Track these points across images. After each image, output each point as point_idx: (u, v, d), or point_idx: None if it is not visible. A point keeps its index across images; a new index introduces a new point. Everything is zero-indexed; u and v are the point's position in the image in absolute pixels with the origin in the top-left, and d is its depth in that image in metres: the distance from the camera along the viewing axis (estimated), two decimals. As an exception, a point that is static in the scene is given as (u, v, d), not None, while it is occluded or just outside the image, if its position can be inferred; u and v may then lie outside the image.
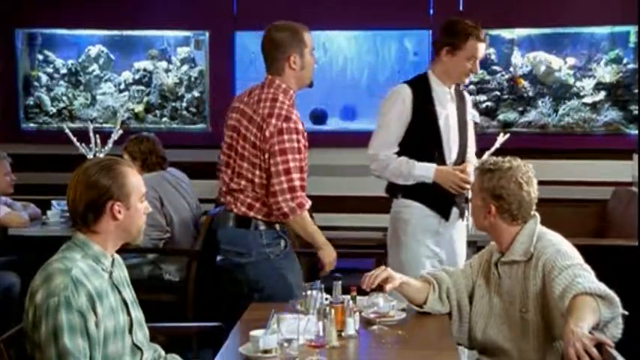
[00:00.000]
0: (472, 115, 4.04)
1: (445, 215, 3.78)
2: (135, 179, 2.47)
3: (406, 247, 3.82)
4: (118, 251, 2.55)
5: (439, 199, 3.76)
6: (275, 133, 3.37)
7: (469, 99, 4.03)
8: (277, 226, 3.51)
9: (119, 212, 2.41)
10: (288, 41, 3.50)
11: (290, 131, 3.38)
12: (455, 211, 3.80)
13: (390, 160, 3.80)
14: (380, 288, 2.97)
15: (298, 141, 3.40)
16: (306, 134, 3.50)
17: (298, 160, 3.40)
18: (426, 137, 3.80)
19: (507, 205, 2.85)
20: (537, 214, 2.91)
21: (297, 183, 3.39)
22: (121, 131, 5.40)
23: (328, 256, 3.62)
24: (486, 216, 2.90)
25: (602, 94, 5.97)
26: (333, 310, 2.73)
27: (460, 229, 3.89)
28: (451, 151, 3.79)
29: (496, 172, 2.87)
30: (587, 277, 2.63)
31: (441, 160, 3.77)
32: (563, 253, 2.76)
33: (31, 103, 6.52)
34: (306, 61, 3.52)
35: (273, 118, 3.39)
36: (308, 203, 3.45)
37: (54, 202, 5.29)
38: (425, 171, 3.75)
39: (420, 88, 3.84)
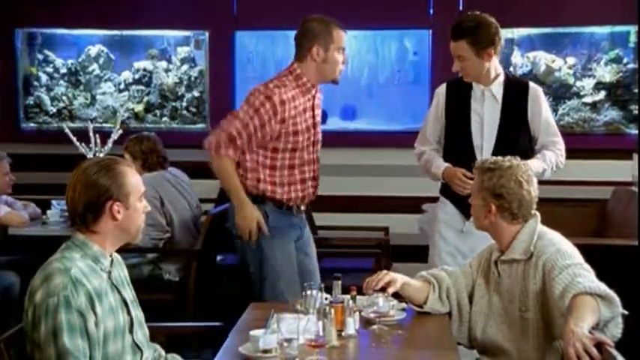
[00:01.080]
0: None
1: (465, 214, 3.77)
2: (134, 179, 2.47)
3: (433, 243, 3.89)
4: (118, 251, 2.55)
5: (462, 197, 3.74)
6: (249, 90, 3.62)
7: (536, 95, 3.79)
8: (263, 207, 3.64)
9: (118, 212, 2.41)
10: (316, 32, 3.64)
11: (260, 92, 3.57)
12: None
13: (422, 155, 3.91)
14: (382, 290, 2.96)
15: (262, 104, 3.54)
16: (288, 112, 3.58)
17: (249, 116, 3.54)
18: (456, 135, 3.81)
19: (507, 204, 2.85)
20: (537, 214, 2.91)
21: (230, 128, 3.55)
22: (120, 131, 5.39)
23: (240, 219, 3.62)
24: (487, 215, 2.90)
25: (602, 94, 5.98)
26: (333, 310, 2.72)
27: None
28: (483, 150, 3.74)
29: (496, 171, 2.87)
30: (588, 277, 2.63)
31: (471, 158, 3.71)
32: (563, 252, 2.75)
33: (31, 102, 6.52)
34: (330, 56, 3.63)
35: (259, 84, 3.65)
36: (226, 151, 3.54)
37: (54, 202, 5.28)
38: (437, 169, 3.78)
39: (458, 86, 3.83)
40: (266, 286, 3.65)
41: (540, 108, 3.79)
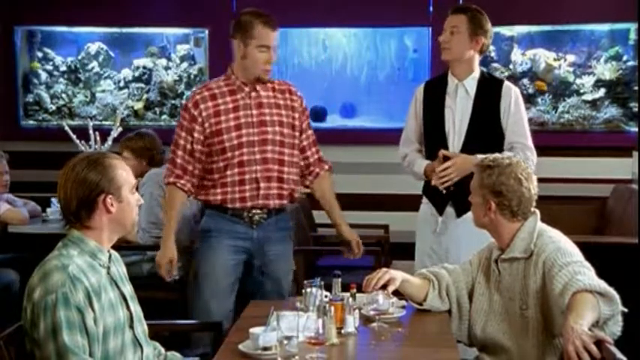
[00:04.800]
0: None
1: (440, 212, 3.79)
2: (124, 171, 2.46)
3: (416, 244, 3.91)
4: (119, 248, 2.55)
5: (436, 193, 3.77)
6: None
7: (509, 93, 3.77)
8: (211, 207, 3.55)
9: (112, 205, 2.40)
10: (239, 25, 3.50)
11: (182, 107, 3.56)
12: (450, 210, 3.76)
13: (405, 157, 3.91)
14: (382, 287, 2.96)
15: (182, 117, 3.51)
16: (206, 111, 3.45)
17: (176, 134, 3.50)
18: (430, 131, 3.84)
19: (507, 202, 2.85)
20: (537, 211, 2.91)
21: (170, 155, 3.52)
22: (120, 129, 5.40)
23: (159, 257, 3.56)
24: (486, 213, 2.89)
25: (601, 92, 5.98)
26: (332, 308, 2.72)
27: (467, 229, 3.48)
28: (454, 144, 3.76)
29: (496, 168, 2.87)
30: (587, 275, 2.63)
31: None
32: (563, 250, 2.75)
33: (31, 100, 6.52)
34: (249, 53, 3.45)
35: None
36: (167, 179, 3.49)
37: (54, 200, 5.28)
38: (419, 168, 3.80)
39: (434, 84, 3.89)
40: (195, 294, 3.55)
41: (511, 105, 3.76)
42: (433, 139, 3.83)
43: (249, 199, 3.47)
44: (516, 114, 3.78)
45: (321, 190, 3.74)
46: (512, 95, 3.77)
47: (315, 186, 3.73)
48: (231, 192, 3.46)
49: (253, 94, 3.49)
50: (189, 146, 3.46)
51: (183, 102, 3.60)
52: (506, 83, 3.86)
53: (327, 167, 3.75)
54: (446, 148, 3.75)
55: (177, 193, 3.49)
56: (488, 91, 3.79)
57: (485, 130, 3.75)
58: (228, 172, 3.45)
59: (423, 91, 3.90)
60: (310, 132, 3.68)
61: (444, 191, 3.67)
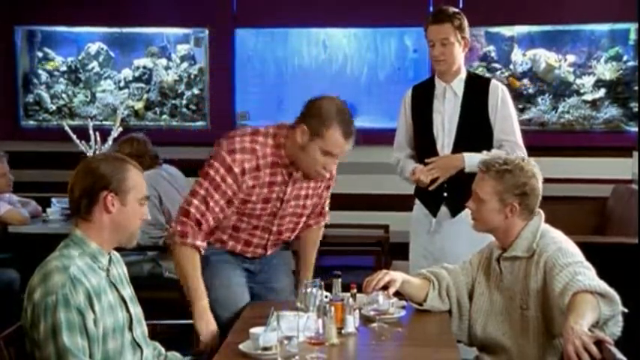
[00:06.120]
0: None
1: (432, 211, 3.79)
2: (138, 178, 2.45)
3: (410, 245, 3.90)
4: (118, 248, 2.55)
5: (429, 194, 3.76)
6: (210, 154, 3.16)
7: (496, 92, 3.76)
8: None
9: (112, 205, 2.39)
10: (314, 112, 3.01)
11: (222, 161, 3.07)
12: (444, 210, 3.76)
13: (398, 163, 3.91)
14: (382, 288, 2.96)
15: (223, 179, 3.06)
16: (248, 181, 3.08)
17: (208, 192, 3.06)
18: (420, 134, 3.84)
19: (529, 201, 2.85)
20: (541, 212, 2.91)
21: (192, 210, 3.06)
22: (120, 129, 5.40)
23: (206, 332, 3.06)
24: (507, 215, 2.86)
25: (602, 92, 5.98)
26: (332, 308, 2.73)
27: (463, 227, 3.48)
28: (444, 147, 3.76)
29: (514, 171, 2.85)
30: (588, 275, 2.63)
31: (433, 154, 3.75)
32: (564, 250, 2.76)
33: (31, 100, 6.52)
34: (310, 149, 3.02)
35: (222, 141, 3.16)
36: (193, 240, 3.07)
37: (54, 200, 5.30)
38: (408, 173, 3.80)
39: (423, 87, 3.89)
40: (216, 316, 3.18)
41: (498, 103, 3.76)
42: (423, 143, 3.83)
43: (251, 255, 3.33)
44: (503, 111, 3.77)
45: (304, 238, 3.51)
46: (499, 93, 3.77)
47: (301, 233, 3.48)
48: (232, 246, 3.28)
49: (295, 173, 3.15)
50: (218, 210, 3.09)
51: (224, 156, 3.06)
52: (493, 81, 3.87)
53: (322, 222, 3.55)
54: (435, 151, 3.75)
55: (196, 255, 3.12)
56: (476, 91, 3.80)
57: (475, 130, 3.76)
58: (241, 234, 3.24)
59: (411, 95, 3.90)
60: (326, 194, 3.45)
61: (445, 187, 3.67)
